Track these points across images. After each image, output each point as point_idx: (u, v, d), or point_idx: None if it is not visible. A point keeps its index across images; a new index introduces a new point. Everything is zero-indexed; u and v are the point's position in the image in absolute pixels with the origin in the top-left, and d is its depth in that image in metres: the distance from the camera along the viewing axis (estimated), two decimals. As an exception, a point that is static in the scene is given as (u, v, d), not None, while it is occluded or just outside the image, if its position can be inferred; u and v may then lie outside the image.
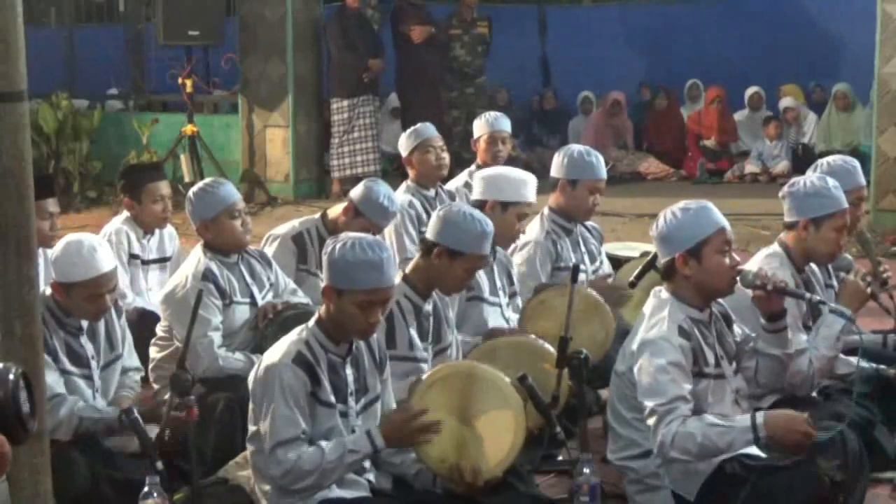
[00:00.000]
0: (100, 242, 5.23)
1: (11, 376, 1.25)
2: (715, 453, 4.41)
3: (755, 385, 5.02)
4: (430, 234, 5.15)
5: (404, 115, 13.02)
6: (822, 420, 5.03)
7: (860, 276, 5.38)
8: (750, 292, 4.86)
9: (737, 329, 4.96)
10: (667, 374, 4.50)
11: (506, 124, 8.07)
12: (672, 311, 4.63)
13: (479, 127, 8.00)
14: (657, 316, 4.65)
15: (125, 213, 6.82)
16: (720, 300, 4.85)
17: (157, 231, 6.89)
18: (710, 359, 4.69)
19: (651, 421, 4.48)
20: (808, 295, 5.00)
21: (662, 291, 4.75)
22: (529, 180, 6.37)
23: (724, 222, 4.71)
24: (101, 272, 5.06)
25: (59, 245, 5.17)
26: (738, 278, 4.75)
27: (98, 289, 5.06)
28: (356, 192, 6.41)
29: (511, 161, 8.35)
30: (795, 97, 14.46)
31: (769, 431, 4.35)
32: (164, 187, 6.88)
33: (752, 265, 5.11)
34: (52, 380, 4.91)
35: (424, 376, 4.63)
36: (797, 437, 4.36)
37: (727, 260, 4.67)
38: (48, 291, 5.16)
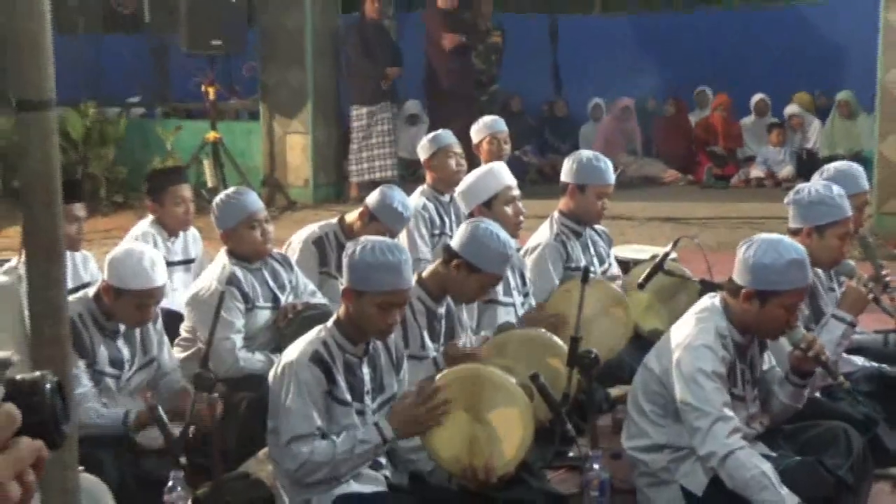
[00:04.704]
0: (160, 258, 5.28)
1: (48, 385, 1.25)
2: (745, 494, 4.37)
3: (764, 415, 4.99)
4: (454, 244, 5.15)
5: (433, 121, 13.02)
6: (825, 419, 5.04)
7: (862, 283, 5.36)
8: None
9: (766, 357, 4.94)
10: (712, 381, 4.48)
11: (502, 125, 8.15)
12: (720, 323, 4.61)
13: (478, 131, 8.07)
14: (705, 323, 4.61)
15: (150, 217, 6.84)
16: None
17: (181, 234, 6.90)
18: (739, 381, 4.68)
19: (700, 424, 4.47)
20: (840, 379, 4.92)
21: (717, 300, 4.71)
22: (495, 167, 6.48)
23: (808, 281, 4.63)
24: (156, 285, 5.13)
25: (122, 251, 5.23)
26: (785, 331, 4.69)
27: (149, 299, 5.12)
28: (372, 198, 6.43)
29: (522, 165, 8.38)
30: (805, 104, 14.44)
31: None
32: (185, 190, 6.89)
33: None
34: (79, 391, 4.96)
35: (436, 377, 4.63)
36: None
37: (788, 317, 4.61)
38: (90, 293, 5.20)
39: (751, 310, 4.57)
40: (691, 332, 4.61)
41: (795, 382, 4.80)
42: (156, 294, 5.17)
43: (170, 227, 6.81)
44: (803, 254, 4.59)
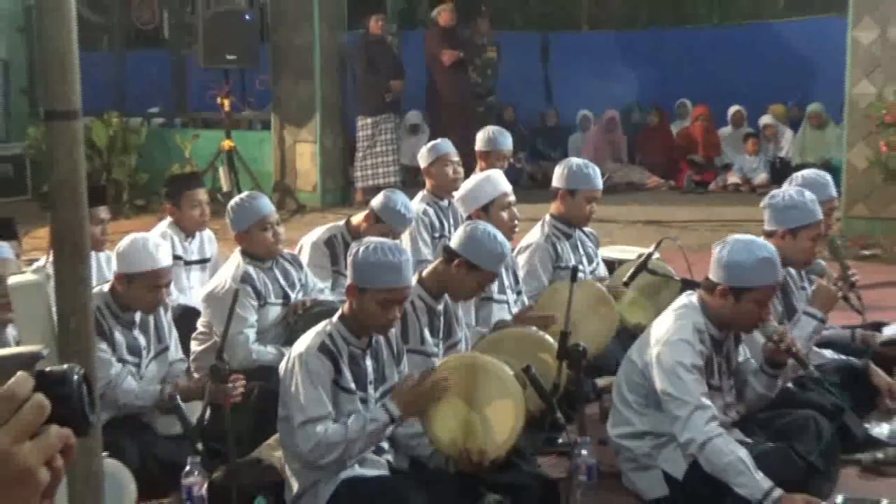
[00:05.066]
0: (161, 241, 5.35)
1: (76, 377, 1.25)
2: (723, 478, 4.38)
3: (739, 404, 5.00)
4: (454, 244, 5.15)
5: (433, 130, 13.01)
6: (796, 408, 5.05)
7: (832, 282, 5.38)
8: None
9: (742, 349, 4.94)
10: (690, 373, 4.50)
11: (508, 143, 7.81)
12: (697, 319, 4.62)
13: (485, 142, 7.72)
14: (684, 319, 4.63)
15: (169, 219, 6.84)
16: None
17: (197, 234, 6.91)
18: (716, 373, 4.69)
19: (680, 412, 4.48)
20: (810, 368, 4.94)
21: (694, 297, 4.72)
22: (493, 175, 6.45)
23: (779, 278, 4.66)
24: (161, 265, 5.15)
25: (126, 241, 5.25)
26: (759, 325, 4.71)
27: (157, 280, 5.13)
28: (376, 200, 6.43)
29: (515, 173, 8.33)
30: (779, 115, 14.44)
31: None
32: (201, 194, 6.91)
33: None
34: (113, 370, 5.03)
35: (435, 367, 4.64)
36: None
37: (761, 311, 4.63)
38: (105, 288, 5.20)
39: (726, 305, 4.59)
40: (671, 328, 4.62)
41: (769, 373, 4.82)
42: (163, 275, 5.17)
43: (187, 229, 6.81)
44: (773, 252, 4.61)
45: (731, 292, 4.56)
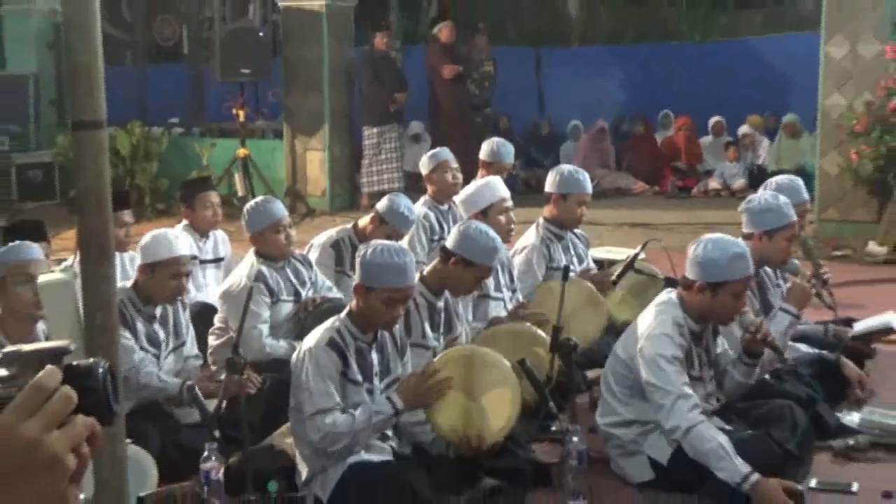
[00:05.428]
0: (180, 233, 5.40)
1: (101, 370, 1.25)
2: (704, 462, 4.37)
3: (720, 392, 5.00)
4: (450, 244, 5.15)
5: (434, 139, 13.01)
6: (773, 398, 5.05)
7: (805, 280, 5.38)
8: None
9: (721, 341, 4.94)
10: (672, 364, 4.50)
11: (510, 156, 7.70)
12: (677, 315, 4.63)
13: (489, 153, 7.56)
14: (664, 315, 4.63)
15: (184, 222, 6.84)
16: None
17: (211, 235, 6.91)
18: (696, 364, 4.69)
19: (664, 401, 4.47)
20: (786, 357, 4.95)
21: (673, 294, 4.72)
22: (492, 181, 6.47)
23: (751, 271, 4.66)
24: (181, 253, 5.20)
25: (147, 236, 5.29)
26: (736, 317, 4.71)
27: (178, 268, 5.15)
28: (381, 204, 6.45)
29: (510, 179, 8.31)
30: (756, 125, 14.43)
31: (756, 495, 4.26)
32: (213, 196, 6.92)
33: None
34: (136, 356, 5.05)
35: (436, 359, 4.64)
36: None
37: (737, 304, 4.63)
38: (128, 284, 5.21)
39: (704, 300, 4.59)
40: (652, 323, 4.62)
41: (747, 362, 4.83)
42: (183, 262, 5.20)
43: (200, 229, 6.82)
44: (744, 247, 4.64)
45: (708, 287, 4.57)
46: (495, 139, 7.91)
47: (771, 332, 4.85)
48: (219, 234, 7.07)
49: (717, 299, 4.57)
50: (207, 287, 6.80)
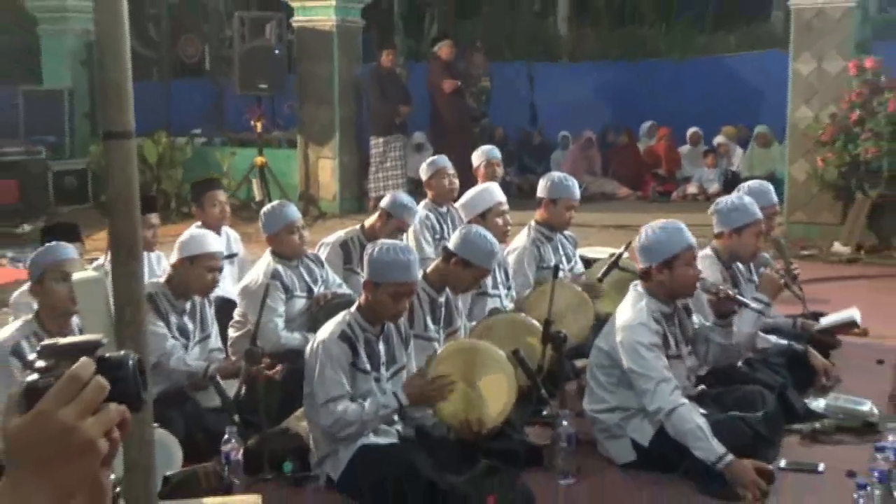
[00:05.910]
0: (212, 234, 5.48)
1: (131, 362, 1.25)
2: (684, 442, 4.38)
3: (702, 362, 5.00)
4: (451, 245, 5.15)
5: (435, 148, 13.01)
6: (745, 384, 5.05)
7: (775, 271, 5.39)
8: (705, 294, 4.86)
9: (694, 318, 4.95)
10: (651, 351, 4.51)
11: (497, 153, 8.07)
12: (647, 304, 4.63)
13: (478, 156, 7.96)
14: (637, 306, 4.64)
15: (198, 223, 6.81)
16: None
17: (223, 233, 6.86)
18: (672, 343, 4.69)
19: (647, 386, 4.48)
20: (751, 304, 4.97)
21: (639, 287, 4.73)
22: (490, 186, 6.49)
23: (693, 241, 4.67)
24: (216, 249, 5.24)
25: (185, 234, 5.35)
26: (698, 285, 4.73)
27: (213, 262, 5.18)
28: (385, 201, 6.53)
29: (505, 184, 8.34)
30: (730, 135, 14.41)
31: (729, 474, 4.28)
32: (220, 195, 6.92)
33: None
34: (168, 343, 5.06)
35: (438, 350, 4.64)
36: (748, 486, 4.26)
37: (692, 271, 4.64)
38: (162, 280, 5.21)
39: (664, 280, 4.61)
40: (628, 316, 4.64)
41: (720, 324, 4.86)
42: (217, 256, 5.24)
43: (210, 226, 6.76)
44: (676, 222, 4.68)
45: (663, 266, 4.59)
46: (480, 147, 8.20)
47: (748, 325, 4.92)
48: (231, 233, 7.07)
49: (675, 274, 4.59)
50: (224, 280, 6.80)
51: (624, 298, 4.82)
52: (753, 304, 4.97)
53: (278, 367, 4.95)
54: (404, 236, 6.70)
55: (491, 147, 8.20)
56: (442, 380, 4.42)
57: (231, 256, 6.96)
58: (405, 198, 6.56)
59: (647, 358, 4.50)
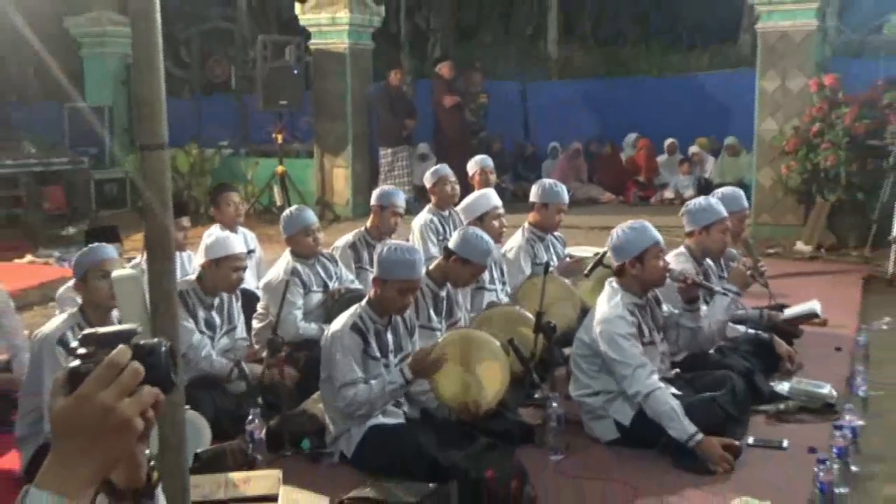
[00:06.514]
0: (235, 236, 5.50)
1: (164, 349, 1.26)
2: (660, 422, 4.39)
3: (676, 347, 5.01)
4: (451, 244, 5.17)
5: (438, 158, 13.00)
6: (716, 369, 5.04)
7: (743, 265, 5.40)
8: (675, 284, 4.87)
9: (665, 307, 4.95)
10: (627, 340, 4.52)
11: (489, 161, 8.14)
12: (622, 298, 4.64)
13: (472, 165, 8.05)
14: (612, 300, 4.65)
15: (217, 225, 6.80)
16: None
17: (240, 231, 6.84)
18: (646, 332, 4.69)
19: (625, 372, 4.48)
20: (715, 287, 4.99)
21: (614, 282, 4.73)
22: (487, 192, 6.51)
23: (659, 236, 4.70)
24: (239, 250, 5.20)
25: (210, 238, 5.29)
26: (667, 275, 4.73)
27: (238, 262, 5.15)
28: (372, 200, 6.65)
29: (500, 190, 8.35)
30: (703, 146, 14.40)
31: (699, 451, 4.29)
32: (233, 196, 6.91)
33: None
34: (195, 338, 5.05)
35: (440, 339, 4.64)
36: (717, 461, 4.28)
37: (661, 263, 4.65)
38: (192, 278, 5.21)
39: (637, 274, 4.62)
40: (605, 309, 4.65)
41: (689, 309, 4.88)
42: (241, 257, 5.20)
43: (227, 224, 6.73)
44: (643, 222, 4.69)
45: (635, 261, 4.60)
46: (475, 157, 8.26)
47: (719, 313, 4.94)
48: (247, 232, 7.09)
49: (646, 267, 4.61)
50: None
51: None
52: (717, 288, 4.99)
53: (289, 372, 4.97)
54: (410, 237, 6.71)
55: (484, 157, 8.26)
56: (438, 353, 4.42)
57: (250, 252, 6.97)
58: (385, 187, 6.71)
59: (624, 347, 4.51)
